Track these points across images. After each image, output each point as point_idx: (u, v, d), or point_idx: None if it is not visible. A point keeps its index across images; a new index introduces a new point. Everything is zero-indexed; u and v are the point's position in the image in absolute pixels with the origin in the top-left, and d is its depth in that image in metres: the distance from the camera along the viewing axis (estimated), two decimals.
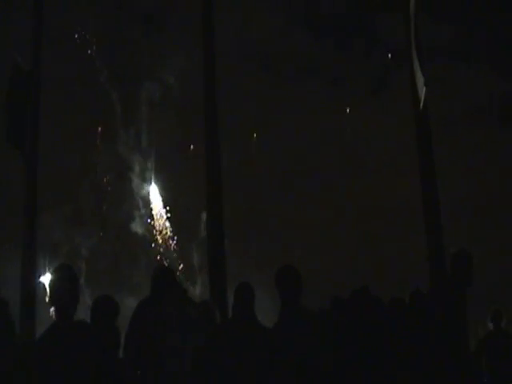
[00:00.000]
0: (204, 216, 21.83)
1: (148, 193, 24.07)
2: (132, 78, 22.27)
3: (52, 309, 4.27)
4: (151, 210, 23.86)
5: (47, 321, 4.33)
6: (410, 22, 8.74)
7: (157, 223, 23.67)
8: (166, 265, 5.09)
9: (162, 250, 23.24)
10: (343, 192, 18.97)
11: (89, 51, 23.14)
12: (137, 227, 23.77)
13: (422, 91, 8.59)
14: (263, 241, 19.14)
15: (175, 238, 23.55)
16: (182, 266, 22.35)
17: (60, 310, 4.27)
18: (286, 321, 5.21)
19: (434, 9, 14.35)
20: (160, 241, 23.29)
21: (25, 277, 8.75)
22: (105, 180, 22.75)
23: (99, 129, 23.06)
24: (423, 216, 9.16)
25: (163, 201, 23.82)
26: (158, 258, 23.18)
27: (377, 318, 5.91)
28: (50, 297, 4.30)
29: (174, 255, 22.22)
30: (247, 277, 6.30)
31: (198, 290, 20.42)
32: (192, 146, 21.02)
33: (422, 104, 8.73)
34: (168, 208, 23.27)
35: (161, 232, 23.74)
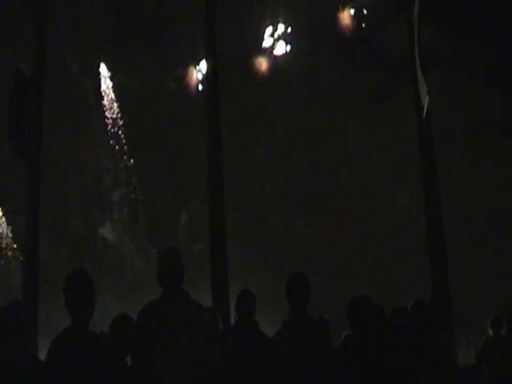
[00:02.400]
0: (184, 217, 21.32)
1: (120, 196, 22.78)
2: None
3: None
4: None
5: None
6: (414, 32, 8.77)
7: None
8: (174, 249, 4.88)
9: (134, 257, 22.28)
10: (343, 203, 18.95)
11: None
12: (107, 233, 22.56)
13: (426, 100, 8.61)
14: (262, 251, 19.07)
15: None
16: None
17: (76, 315, 4.23)
18: (293, 328, 5.18)
19: (438, 19, 14.40)
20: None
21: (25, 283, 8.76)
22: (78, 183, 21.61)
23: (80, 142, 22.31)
24: (426, 226, 9.17)
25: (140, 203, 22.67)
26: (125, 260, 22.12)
27: (378, 327, 5.88)
28: (66, 301, 4.25)
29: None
30: (245, 283, 6.25)
31: None
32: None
33: (425, 112, 8.75)
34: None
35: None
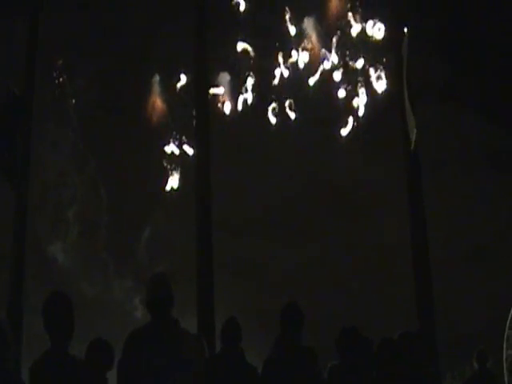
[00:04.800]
0: (147, 233, 20.27)
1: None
2: None
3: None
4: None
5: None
6: (403, 64, 8.85)
7: None
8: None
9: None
10: (331, 231, 18.97)
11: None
12: (57, 252, 20.10)
13: (413, 133, 8.67)
14: (249, 278, 18.97)
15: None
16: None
17: (55, 338, 4.18)
18: (281, 356, 5.18)
19: (427, 51, 14.59)
20: None
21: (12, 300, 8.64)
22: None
23: None
24: (412, 256, 9.18)
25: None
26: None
27: (366, 358, 5.86)
28: (45, 324, 4.20)
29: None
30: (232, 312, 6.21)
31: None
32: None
33: (413, 145, 8.80)
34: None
35: None
